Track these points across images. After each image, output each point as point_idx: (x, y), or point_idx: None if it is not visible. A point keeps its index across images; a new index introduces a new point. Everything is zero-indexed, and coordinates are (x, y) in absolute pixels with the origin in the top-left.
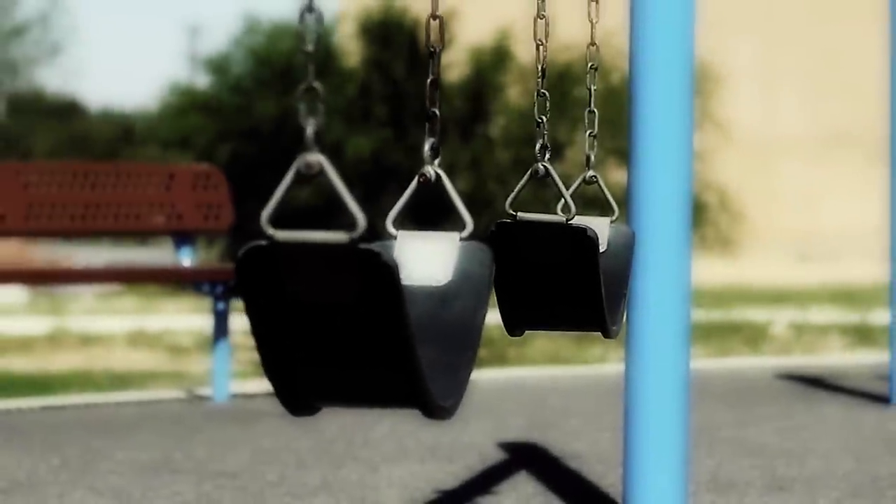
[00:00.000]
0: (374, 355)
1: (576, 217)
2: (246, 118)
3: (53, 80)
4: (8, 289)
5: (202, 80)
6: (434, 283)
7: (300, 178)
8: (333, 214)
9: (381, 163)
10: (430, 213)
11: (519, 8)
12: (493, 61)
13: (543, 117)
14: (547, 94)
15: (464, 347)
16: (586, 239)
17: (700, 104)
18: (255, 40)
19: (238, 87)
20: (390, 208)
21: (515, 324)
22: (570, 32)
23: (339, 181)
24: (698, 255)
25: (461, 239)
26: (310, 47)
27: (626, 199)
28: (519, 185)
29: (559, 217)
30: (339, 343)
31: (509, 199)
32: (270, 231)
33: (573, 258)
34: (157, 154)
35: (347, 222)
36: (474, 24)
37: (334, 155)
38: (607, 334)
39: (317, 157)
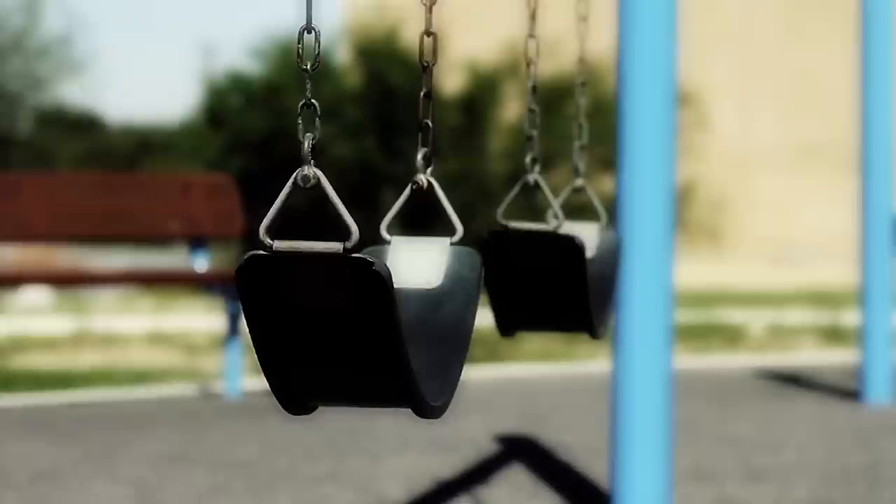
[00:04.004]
0: (368, 358)
1: (565, 224)
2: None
3: (75, 95)
4: (34, 290)
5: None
6: (426, 287)
7: (297, 190)
8: (326, 218)
9: (367, 170)
10: (419, 219)
11: (520, 24)
12: (492, 76)
13: (534, 131)
14: (537, 109)
15: (454, 349)
16: (574, 246)
17: (684, 120)
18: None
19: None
20: (376, 212)
21: (508, 326)
22: (568, 49)
23: (334, 193)
24: (681, 258)
25: (452, 244)
26: (308, 65)
27: (613, 206)
28: (510, 196)
29: (548, 226)
30: (335, 346)
31: (500, 209)
32: (268, 241)
33: (562, 265)
34: (191, 162)
35: (341, 229)
36: (475, 39)
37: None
38: (594, 336)
39: (313, 171)
